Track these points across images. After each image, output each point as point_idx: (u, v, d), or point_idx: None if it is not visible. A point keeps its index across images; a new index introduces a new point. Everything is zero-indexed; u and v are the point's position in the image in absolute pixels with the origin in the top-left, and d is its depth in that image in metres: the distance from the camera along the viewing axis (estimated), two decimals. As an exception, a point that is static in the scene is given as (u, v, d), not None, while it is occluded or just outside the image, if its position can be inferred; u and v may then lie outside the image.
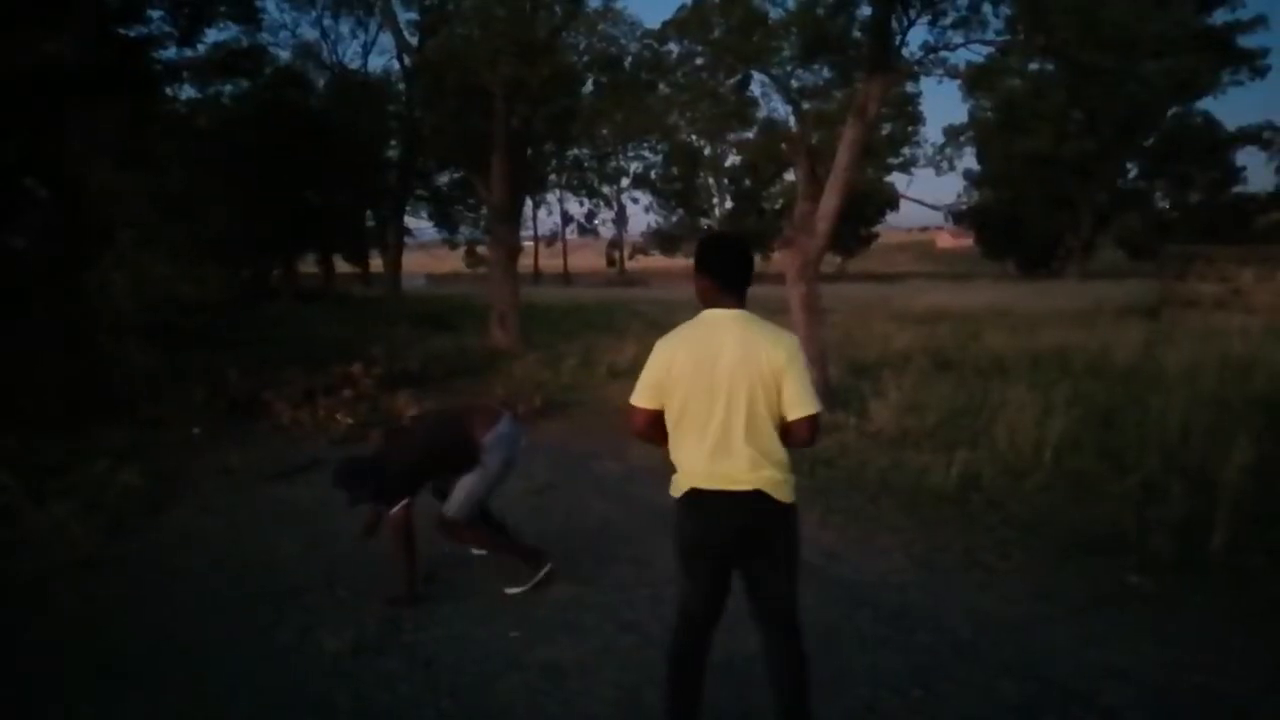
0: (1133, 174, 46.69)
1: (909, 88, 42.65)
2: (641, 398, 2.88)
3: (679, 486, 2.85)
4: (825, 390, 8.95)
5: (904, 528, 5.67)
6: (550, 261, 61.89)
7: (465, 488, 4.62)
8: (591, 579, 4.87)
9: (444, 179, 29.85)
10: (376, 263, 34.20)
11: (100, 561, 5.29)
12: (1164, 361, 10.17)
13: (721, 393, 2.74)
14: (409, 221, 32.38)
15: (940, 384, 9.58)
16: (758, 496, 2.76)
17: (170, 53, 14.82)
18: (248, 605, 4.57)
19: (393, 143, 27.72)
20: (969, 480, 6.35)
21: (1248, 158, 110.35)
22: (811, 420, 2.79)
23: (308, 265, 32.47)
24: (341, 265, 35.66)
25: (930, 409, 8.23)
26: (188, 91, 20.65)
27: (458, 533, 4.72)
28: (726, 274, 2.86)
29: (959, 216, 50.84)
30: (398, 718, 3.47)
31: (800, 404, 2.77)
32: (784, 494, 2.80)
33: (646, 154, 52.07)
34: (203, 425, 8.97)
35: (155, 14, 13.15)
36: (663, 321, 18.82)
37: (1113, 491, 5.82)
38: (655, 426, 2.89)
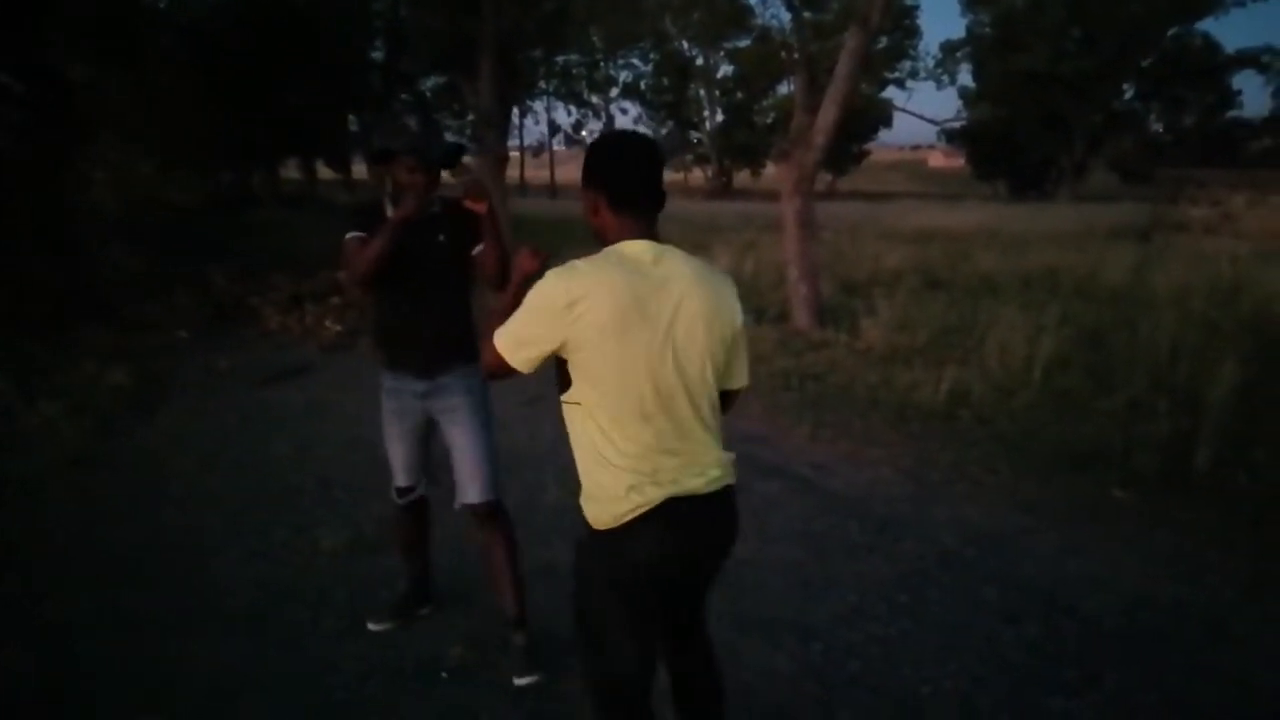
0: (1128, 95, 46.19)
1: (908, -1, 41.73)
2: (513, 351, 1.96)
3: (630, 502, 1.93)
4: (817, 307, 8.97)
5: (892, 442, 5.73)
6: (536, 173, 60.98)
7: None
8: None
9: (428, 84, 29.09)
10: (359, 169, 33.49)
11: (91, 460, 5.30)
12: (1153, 284, 10.22)
13: (693, 357, 1.95)
14: (392, 127, 31.60)
15: (931, 303, 9.61)
16: (728, 493, 2.08)
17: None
18: (241, 505, 4.59)
19: (377, 44, 26.91)
20: (958, 397, 6.41)
21: (1244, 81, 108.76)
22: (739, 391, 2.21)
23: (289, 171, 31.79)
24: (324, 172, 34.90)
25: (920, 327, 8.26)
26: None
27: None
28: (642, 190, 2.02)
29: (951, 135, 50.38)
30: (396, 614, 3.51)
31: (745, 370, 2.16)
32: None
33: (637, 63, 51.16)
34: (189, 329, 8.91)
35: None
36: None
37: (1100, 409, 5.90)
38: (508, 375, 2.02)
